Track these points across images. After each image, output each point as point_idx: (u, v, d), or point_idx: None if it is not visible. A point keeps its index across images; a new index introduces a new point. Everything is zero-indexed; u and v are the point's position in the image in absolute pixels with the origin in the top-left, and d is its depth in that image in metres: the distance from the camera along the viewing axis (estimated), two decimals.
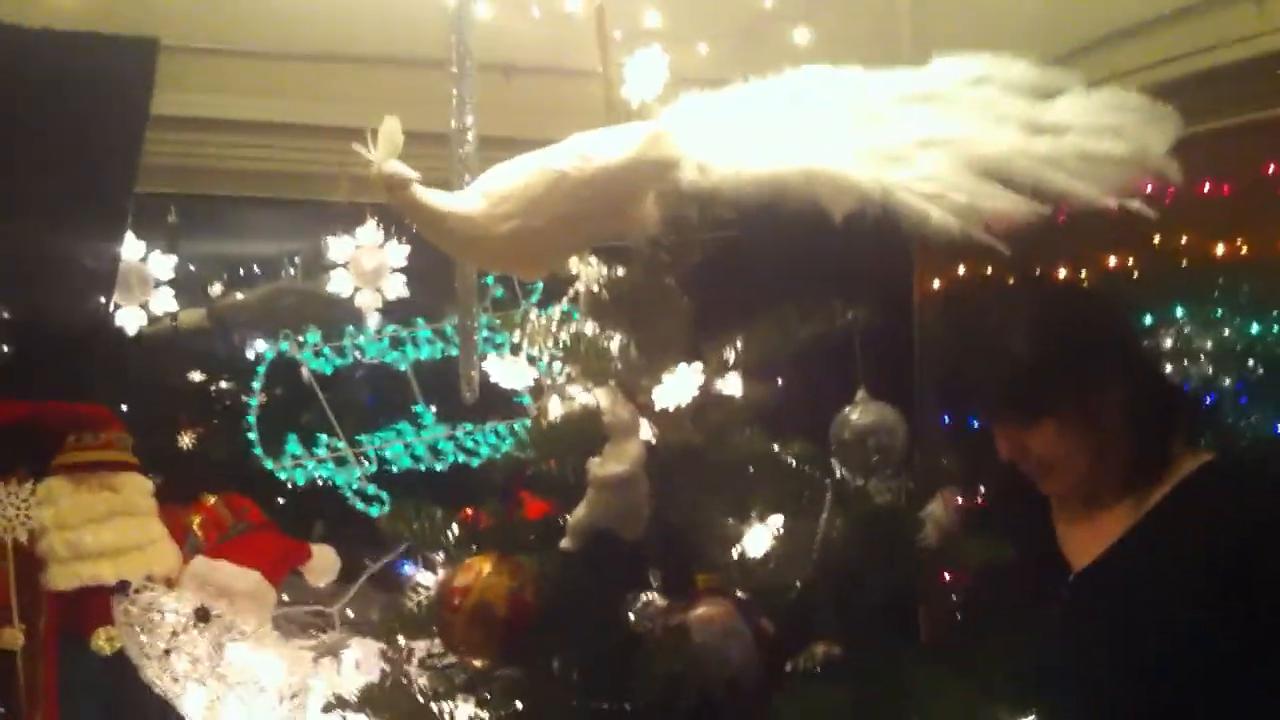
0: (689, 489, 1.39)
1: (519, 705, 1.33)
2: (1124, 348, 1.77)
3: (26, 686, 2.53)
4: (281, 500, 3.27)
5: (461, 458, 3.17)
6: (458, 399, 2.54)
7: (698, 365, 1.40)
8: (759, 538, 1.37)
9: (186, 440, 3.60)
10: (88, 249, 2.74)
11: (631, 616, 1.31)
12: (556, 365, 1.54)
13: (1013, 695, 1.33)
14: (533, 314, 1.50)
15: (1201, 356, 2.43)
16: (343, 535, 3.07)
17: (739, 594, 1.31)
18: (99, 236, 2.75)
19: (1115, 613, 1.72)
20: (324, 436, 3.17)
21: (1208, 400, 2.39)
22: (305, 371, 3.17)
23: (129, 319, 2.93)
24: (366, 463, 3.15)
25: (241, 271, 3.68)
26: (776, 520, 1.38)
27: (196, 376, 3.77)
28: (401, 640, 1.48)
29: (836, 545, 1.37)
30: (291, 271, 3.64)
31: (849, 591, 1.33)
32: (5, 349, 2.77)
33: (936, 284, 3.43)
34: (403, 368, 3.17)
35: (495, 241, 1.31)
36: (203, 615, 2.40)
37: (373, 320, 3.21)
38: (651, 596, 1.33)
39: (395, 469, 3.17)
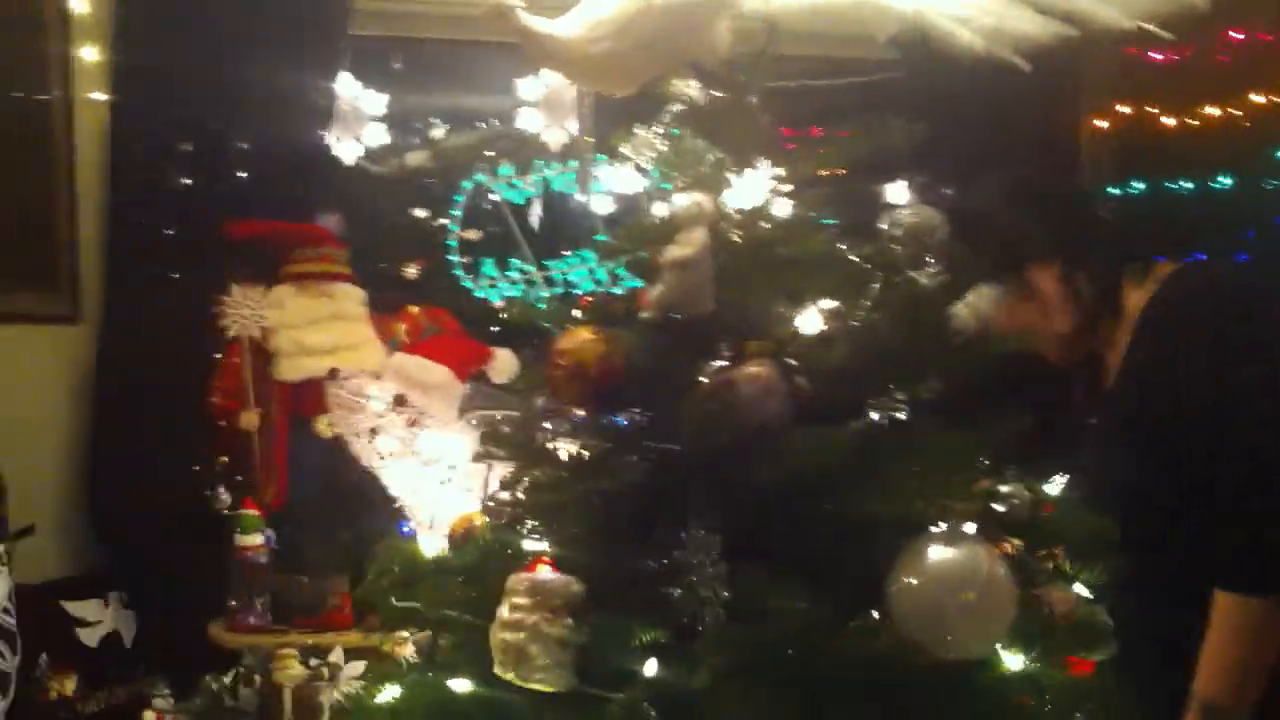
0: (757, 276, 1.66)
1: (608, 445, 1.63)
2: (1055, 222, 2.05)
3: (261, 461, 3.03)
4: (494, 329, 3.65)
5: (639, 283, 3.48)
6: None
7: (768, 170, 1.65)
8: (812, 318, 1.62)
9: (411, 271, 4.01)
10: (307, 86, 3.14)
11: (700, 378, 1.60)
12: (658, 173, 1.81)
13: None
14: (637, 128, 1.76)
15: None
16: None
17: (785, 360, 1.58)
18: (317, 75, 3.15)
19: (1125, 429, 1.96)
20: (516, 262, 3.53)
21: None
22: (501, 202, 3.52)
23: (345, 150, 3.33)
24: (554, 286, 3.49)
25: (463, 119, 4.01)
26: (828, 304, 1.63)
27: (420, 213, 4.17)
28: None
29: (878, 325, 1.61)
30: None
31: (881, 362, 1.58)
32: (244, 175, 3.22)
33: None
34: (585, 199, 3.48)
35: (590, 61, 1.58)
36: (400, 401, 2.82)
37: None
38: (717, 362, 1.60)
39: (580, 291, 3.50)
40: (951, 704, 1.45)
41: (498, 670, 1.48)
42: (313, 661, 2.78)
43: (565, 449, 1.64)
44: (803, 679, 1.41)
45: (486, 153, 3.74)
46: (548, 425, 1.69)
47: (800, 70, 1.79)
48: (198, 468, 2.98)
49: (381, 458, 2.87)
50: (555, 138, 3.47)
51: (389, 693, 1.59)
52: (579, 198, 2.33)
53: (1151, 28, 1.54)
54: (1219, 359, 1.89)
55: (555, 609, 1.47)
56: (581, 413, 1.64)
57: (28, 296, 3.19)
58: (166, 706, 2.72)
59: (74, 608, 2.98)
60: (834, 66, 1.83)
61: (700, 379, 1.56)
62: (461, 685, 1.54)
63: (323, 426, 3.00)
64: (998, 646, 1.50)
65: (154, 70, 3.04)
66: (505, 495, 1.68)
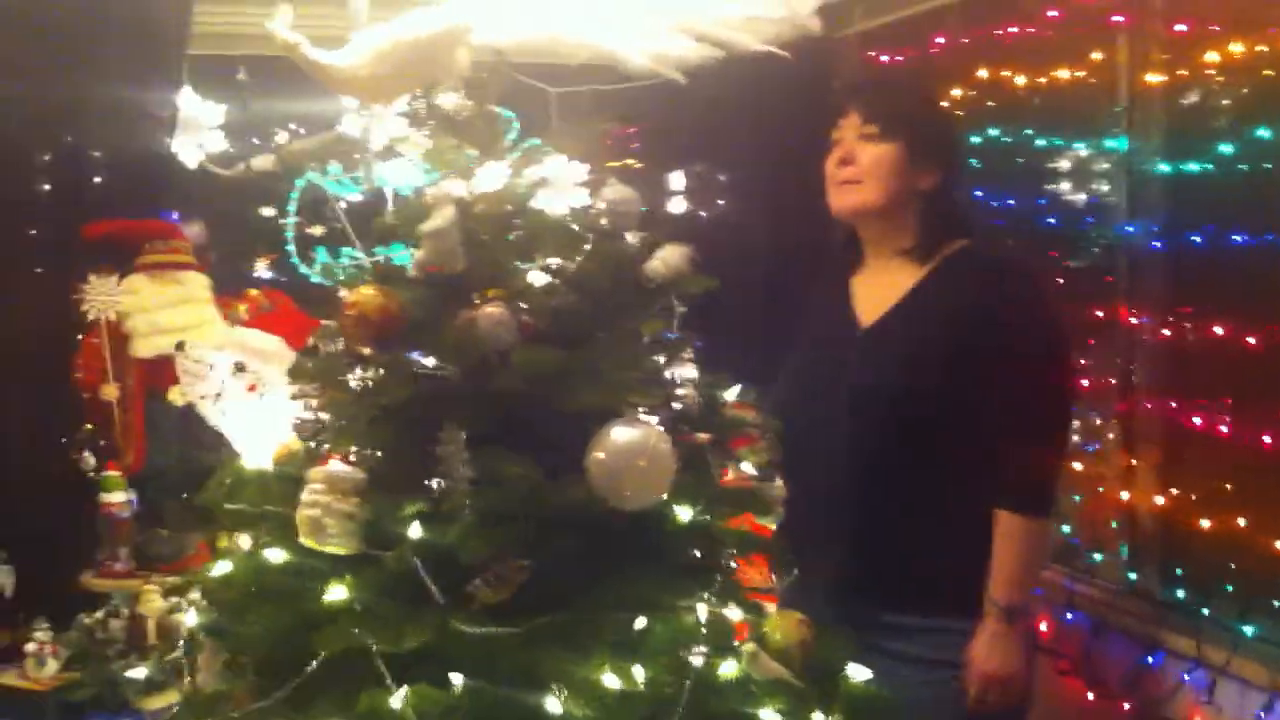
0: (499, 241, 2.18)
1: (384, 374, 2.13)
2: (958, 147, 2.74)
3: (122, 428, 3.47)
4: None
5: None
6: None
7: (505, 162, 2.18)
8: (539, 274, 2.15)
9: (262, 265, 4.44)
10: (151, 100, 3.61)
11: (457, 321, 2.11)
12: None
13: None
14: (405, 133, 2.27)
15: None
16: None
17: (517, 303, 2.10)
18: (160, 89, 3.62)
19: (891, 359, 2.51)
20: (347, 249, 4.00)
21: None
22: (331, 195, 3.99)
23: (188, 155, 3.78)
24: None
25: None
26: (552, 261, 2.16)
27: (268, 211, 4.61)
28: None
29: (589, 276, 2.14)
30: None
31: (593, 304, 2.11)
32: (97, 179, 3.67)
33: None
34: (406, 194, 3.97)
35: (357, 80, 2.10)
36: (240, 368, 3.28)
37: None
38: (470, 309, 2.12)
39: None
40: (638, 542, 2.00)
41: (301, 540, 1.98)
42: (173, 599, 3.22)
43: (354, 378, 2.15)
44: (529, 526, 1.93)
45: (321, 154, 4.20)
46: (342, 361, 2.20)
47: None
48: (65, 437, 3.41)
49: (226, 418, 3.32)
50: (377, 141, 3.94)
51: (222, 568, 2.08)
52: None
53: (773, 49, 2.11)
54: (1010, 315, 2.42)
55: (344, 491, 1.97)
56: (366, 350, 2.14)
57: None
58: (46, 638, 3.14)
59: None
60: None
61: (453, 319, 2.08)
62: (277, 556, 2.04)
63: (174, 396, 3.44)
64: (664, 500, 2.03)
65: (13, 95, 3.48)
66: (310, 416, 2.18)
